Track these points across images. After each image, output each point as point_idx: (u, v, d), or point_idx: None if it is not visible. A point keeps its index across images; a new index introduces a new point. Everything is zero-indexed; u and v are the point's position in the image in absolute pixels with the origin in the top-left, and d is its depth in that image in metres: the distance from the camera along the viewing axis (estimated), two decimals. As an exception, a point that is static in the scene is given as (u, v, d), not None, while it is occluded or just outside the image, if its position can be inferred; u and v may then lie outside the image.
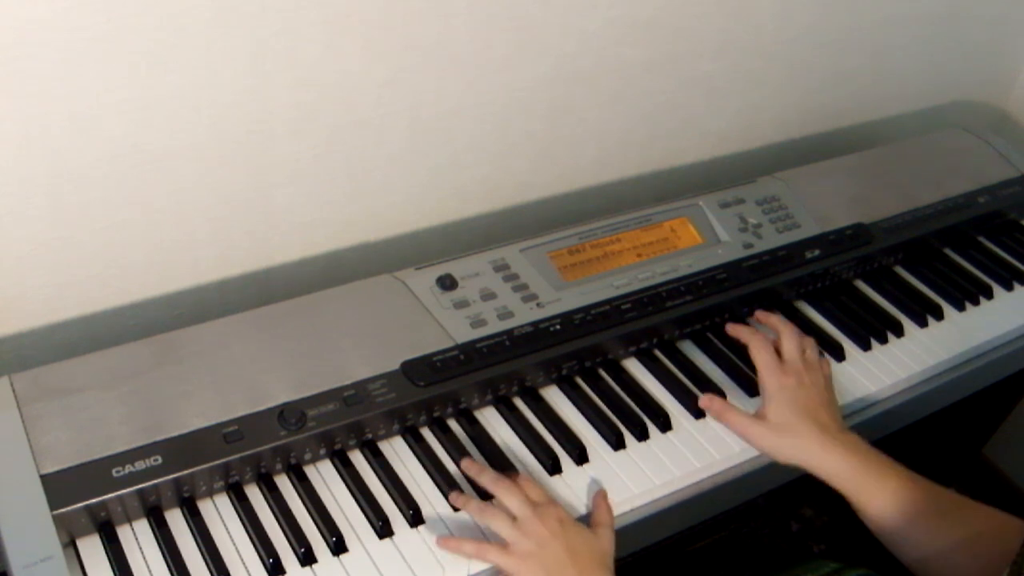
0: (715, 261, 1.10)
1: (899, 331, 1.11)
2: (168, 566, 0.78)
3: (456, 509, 0.85)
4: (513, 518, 0.80)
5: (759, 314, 0.94)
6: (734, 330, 0.93)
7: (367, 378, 0.90)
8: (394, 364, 0.91)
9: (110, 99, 0.85)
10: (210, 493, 0.84)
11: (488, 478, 0.85)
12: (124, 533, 0.80)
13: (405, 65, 1.00)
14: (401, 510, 0.85)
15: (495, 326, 0.97)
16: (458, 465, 0.89)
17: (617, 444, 0.94)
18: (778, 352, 0.94)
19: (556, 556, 0.77)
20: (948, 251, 1.27)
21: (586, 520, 0.86)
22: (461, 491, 0.86)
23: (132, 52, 0.83)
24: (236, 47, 0.88)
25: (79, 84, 0.82)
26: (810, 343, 0.93)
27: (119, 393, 0.83)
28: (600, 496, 0.86)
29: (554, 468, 0.90)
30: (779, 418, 0.86)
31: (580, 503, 0.88)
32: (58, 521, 0.75)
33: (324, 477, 0.87)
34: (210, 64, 0.88)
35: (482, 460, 0.90)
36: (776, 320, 0.93)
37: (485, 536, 0.83)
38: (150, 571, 0.78)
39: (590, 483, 0.90)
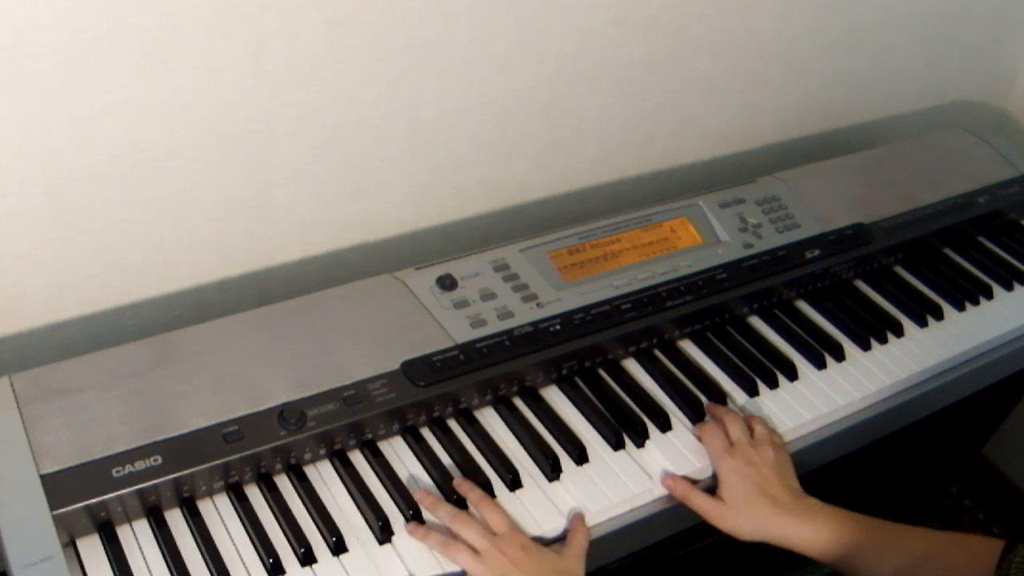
0: (715, 261, 1.10)
1: (899, 331, 1.11)
2: (168, 566, 0.78)
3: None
4: (475, 551, 0.80)
5: (708, 407, 0.98)
6: (699, 433, 0.97)
7: (367, 378, 0.90)
8: (394, 364, 0.91)
9: (110, 99, 0.85)
10: (210, 493, 0.84)
11: (445, 512, 0.84)
12: (124, 533, 0.80)
13: (405, 65, 1.00)
14: (401, 510, 0.85)
15: (495, 326, 0.97)
16: (459, 466, 0.89)
17: (617, 444, 0.94)
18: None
19: None
20: (948, 251, 1.27)
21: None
22: (421, 522, 0.84)
23: (132, 52, 0.83)
24: (236, 47, 0.88)
25: (79, 84, 0.82)
26: (757, 421, 0.96)
27: (119, 393, 0.83)
28: (578, 518, 0.86)
29: (554, 468, 0.90)
30: (733, 499, 0.89)
31: (580, 505, 0.88)
32: (58, 521, 0.75)
33: (324, 477, 0.88)
34: (210, 64, 0.88)
35: (482, 461, 0.90)
36: (721, 410, 0.97)
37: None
38: (150, 571, 0.78)
39: (590, 483, 0.90)
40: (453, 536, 0.82)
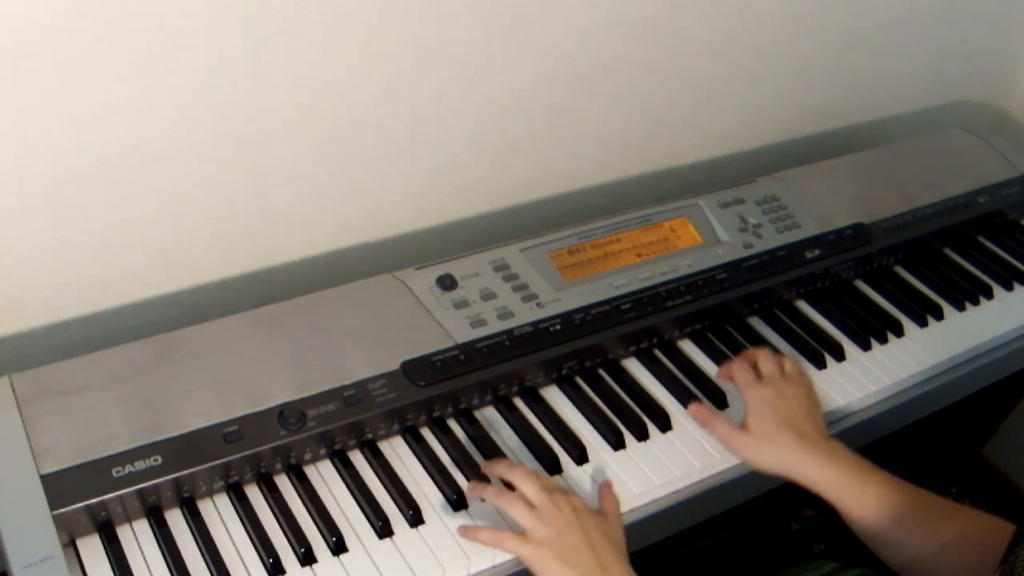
0: (715, 261, 1.10)
1: (899, 331, 1.11)
2: (168, 566, 0.78)
3: (463, 507, 0.85)
4: (530, 506, 0.80)
5: (743, 352, 0.99)
6: (723, 372, 0.97)
7: (367, 378, 0.90)
8: (394, 364, 0.91)
9: (110, 99, 0.85)
10: (210, 493, 0.84)
11: (503, 466, 0.85)
12: (124, 533, 0.80)
13: (405, 65, 1.00)
14: (401, 510, 0.85)
15: (495, 326, 0.97)
16: (459, 466, 0.89)
17: (617, 444, 0.94)
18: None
19: (574, 543, 0.77)
20: (948, 251, 1.27)
21: None
22: (421, 519, 0.85)
23: (132, 52, 0.83)
24: (236, 47, 0.88)
25: (79, 84, 0.82)
26: (788, 359, 0.95)
27: (119, 393, 0.83)
28: (605, 486, 0.86)
29: (554, 468, 0.90)
30: (759, 428, 0.88)
31: (588, 500, 0.88)
32: (58, 521, 0.75)
33: (324, 477, 0.87)
34: (210, 64, 0.88)
35: (482, 461, 0.90)
36: (753, 350, 0.97)
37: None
38: (150, 571, 0.78)
39: (590, 483, 0.90)
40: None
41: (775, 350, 0.98)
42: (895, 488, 0.85)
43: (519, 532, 0.80)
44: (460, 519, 0.85)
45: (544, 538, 0.78)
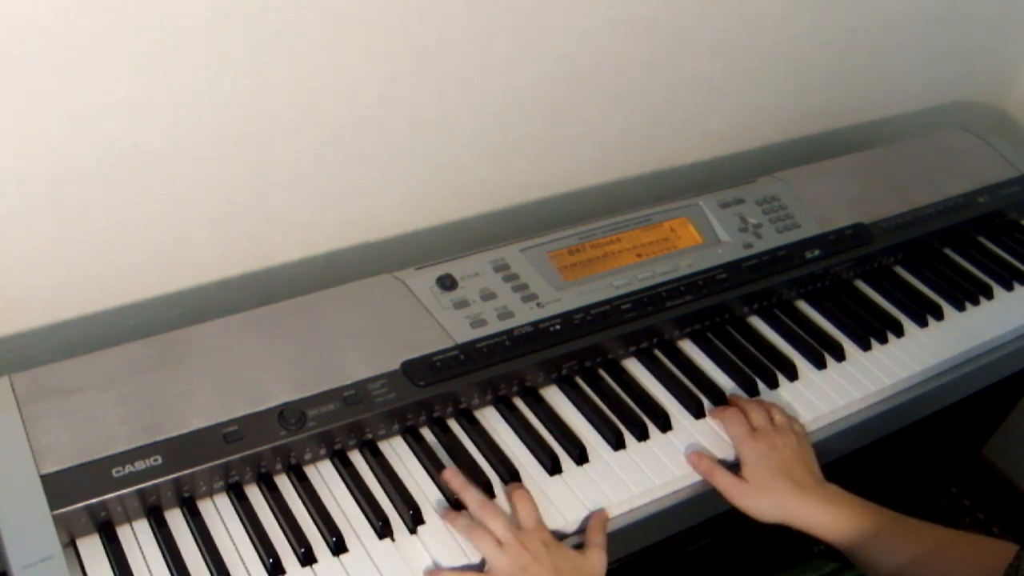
0: (715, 261, 1.10)
1: (899, 331, 1.11)
2: (168, 566, 0.78)
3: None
4: (499, 541, 0.81)
5: (731, 397, 1.00)
6: (711, 414, 0.98)
7: (367, 378, 0.90)
8: (394, 364, 0.91)
9: (110, 99, 0.85)
10: (210, 493, 0.84)
11: (472, 497, 0.84)
12: (124, 533, 0.80)
13: (405, 65, 1.00)
14: (400, 511, 0.85)
15: (495, 326, 0.97)
16: (459, 466, 0.89)
17: (617, 444, 0.94)
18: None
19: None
20: (948, 251, 1.27)
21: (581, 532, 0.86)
22: (419, 520, 0.85)
23: (132, 52, 0.83)
24: (236, 47, 0.88)
25: (79, 84, 0.82)
26: (777, 409, 0.97)
27: (119, 393, 0.83)
28: (596, 518, 0.87)
29: (554, 468, 0.90)
30: (756, 480, 0.90)
31: (580, 504, 0.88)
32: (58, 521, 0.75)
33: (324, 477, 0.87)
34: (210, 64, 0.88)
35: (482, 461, 0.90)
36: (742, 400, 0.99)
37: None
38: (150, 571, 0.78)
39: (590, 483, 0.90)
40: (479, 523, 0.83)
41: (764, 402, 0.99)
42: (895, 523, 0.87)
43: (486, 570, 0.80)
44: (460, 519, 0.85)
45: (508, 573, 0.79)
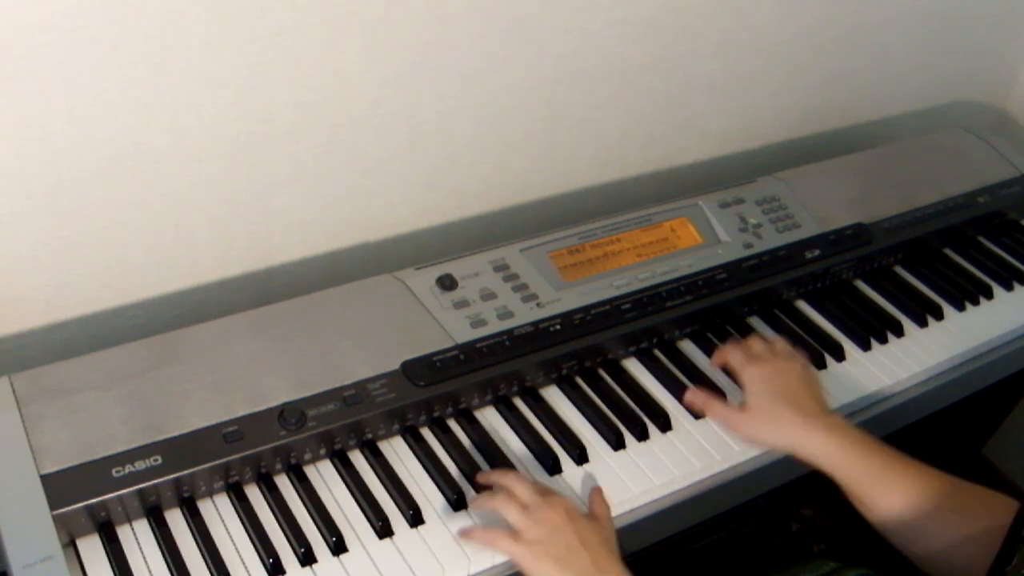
0: (715, 261, 1.09)
1: (899, 331, 1.11)
2: (168, 566, 0.78)
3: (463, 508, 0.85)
4: (523, 507, 0.80)
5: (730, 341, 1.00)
6: (717, 359, 0.97)
7: (367, 378, 0.90)
8: (394, 364, 0.91)
9: (110, 99, 0.85)
10: (210, 493, 0.84)
11: (496, 474, 0.85)
12: (124, 533, 0.80)
13: (405, 65, 1.00)
14: (401, 510, 0.85)
15: (495, 326, 0.97)
16: (459, 466, 0.89)
17: (617, 444, 0.94)
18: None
19: (567, 542, 0.77)
20: (948, 251, 1.27)
21: None
22: (421, 518, 0.85)
23: (132, 52, 0.83)
24: (236, 47, 0.88)
25: (79, 84, 0.82)
26: (779, 340, 0.95)
27: (119, 393, 0.83)
28: (596, 492, 0.87)
29: (554, 468, 0.90)
30: (758, 405, 0.87)
31: (580, 504, 0.88)
32: (58, 521, 0.75)
33: (324, 477, 0.88)
34: (210, 64, 0.88)
35: (482, 461, 0.90)
36: (744, 338, 0.98)
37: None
38: (150, 571, 0.78)
39: (590, 483, 0.90)
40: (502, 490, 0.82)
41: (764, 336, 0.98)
42: (899, 462, 0.84)
43: (512, 532, 0.80)
44: (460, 519, 0.85)
45: (536, 537, 0.78)
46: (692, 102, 1.27)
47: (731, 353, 0.93)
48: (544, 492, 0.82)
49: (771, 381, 0.88)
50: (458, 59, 1.03)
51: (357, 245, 1.13)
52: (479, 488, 0.87)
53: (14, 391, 0.82)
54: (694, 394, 0.89)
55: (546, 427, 0.95)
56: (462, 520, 0.85)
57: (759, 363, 0.90)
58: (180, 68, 0.86)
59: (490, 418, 0.96)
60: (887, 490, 0.82)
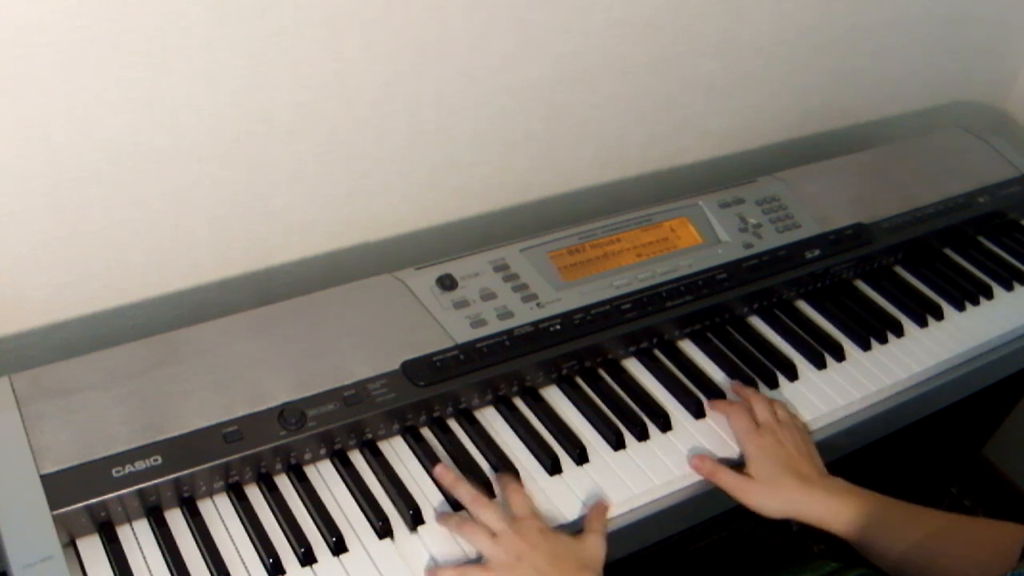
0: (715, 261, 1.10)
1: (899, 331, 1.11)
2: (168, 566, 0.78)
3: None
4: (493, 533, 0.81)
5: (734, 386, 1.01)
6: (713, 407, 0.98)
7: (367, 378, 0.90)
8: (394, 364, 0.91)
9: (110, 99, 0.85)
10: (210, 493, 0.84)
11: (464, 492, 0.84)
12: (124, 533, 0.80)
13: (405, 65, 1.00)
14: (401, 510, 0.85)
15: (495, 326, 0.97)
16: (458, 466, 0.89)
17: (617, 444, 0.94)
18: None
19: (536, 566, 0.78)
20: (948, 251, 1.27)
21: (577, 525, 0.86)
22: (454, 508, 0.86)
23: (132, 52, 0.83)
24: (236, 47, 0.88)
25: (79, 84, 0.82)
26: (780, 404, 0.98)
27: (119, 393, 0.83)
28: (594, 509, 0.87)
29: (554, 468, 0.90)
30: (761, 476, 0.91)
31: (579, 504, 0.88)
32: (58, 521, 0.75)
33: (324, 477, 0.87)
34: (210, 64, 0.88)
35: (482, 461, 0.90)
36: (748, 391, 0.99)
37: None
38: (150, 571, 0.78)
39: (590, 483, 0.90)
40: (472, 518, 0.83)
41: (765, 396, 0.99)
42: (901, 510, 0.87)
43: (482, 563, 0.80)
44: (452, 518, 0.85)
45: (504, 564, 0.78)
46: (692, 102, 1.27)
47: (737, 417, 0.95)
48: (517, 516, 0.82)
49: (774, 452, 0.91)
50: (458, 59, 1.03)
51: (357, 245, 1.13)
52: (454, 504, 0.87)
53: (14, 391, 0.82)
54: (701, 461, 0.92)
55: (546, 427, 0.95)
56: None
57: (762, 434, 0.93)
58: (180, 68, 0.86)
59: (490, 418, 0.95)
60: (894, 539, 0.85)
